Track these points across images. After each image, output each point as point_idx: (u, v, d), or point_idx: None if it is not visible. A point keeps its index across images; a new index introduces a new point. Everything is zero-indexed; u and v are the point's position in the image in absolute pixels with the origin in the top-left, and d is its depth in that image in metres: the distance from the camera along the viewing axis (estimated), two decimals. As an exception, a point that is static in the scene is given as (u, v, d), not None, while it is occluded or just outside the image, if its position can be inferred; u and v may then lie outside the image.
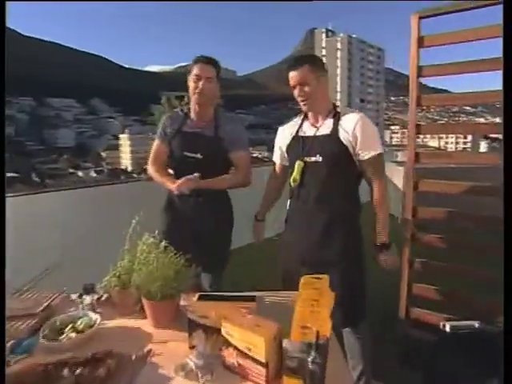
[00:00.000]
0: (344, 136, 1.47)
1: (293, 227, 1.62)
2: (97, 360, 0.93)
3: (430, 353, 1.39)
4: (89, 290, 1.26)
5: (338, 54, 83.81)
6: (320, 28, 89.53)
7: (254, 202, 1.92)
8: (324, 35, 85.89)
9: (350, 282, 1.48)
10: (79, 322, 1.11)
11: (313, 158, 1.50)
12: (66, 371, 0.90)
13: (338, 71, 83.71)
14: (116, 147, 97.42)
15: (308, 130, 1.58)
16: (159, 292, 1.10)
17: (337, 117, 1.51)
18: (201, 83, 1.66)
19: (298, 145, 1.56)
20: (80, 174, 64.78)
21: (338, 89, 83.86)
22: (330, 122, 1.52)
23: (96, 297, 1.27)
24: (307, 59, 1.50)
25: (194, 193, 1.66)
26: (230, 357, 0.94)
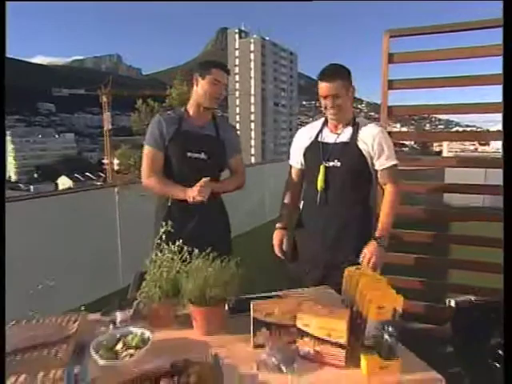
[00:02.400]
0: (363, 145, 1.67)
1: (308, 230, 1.77)
2: (177, 370, 0.97)
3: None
4: (123, 304, 1.25)
5: (252, 56, 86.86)
6: (233, 28, 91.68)
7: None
8: (237, 36, 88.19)
9: None
10: (130, 339, 1.11)
11: (331, 163, 1.68)
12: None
13: (252, 73, 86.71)
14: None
15: (328, 136, 1.75)
16: (215, 298, 1.17)
17: (356, 126, 1.70)
18: (220, 89, 1.77)
19: (318, 149, 1.72)
20: None
21: (252, 92, 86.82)
22: (349, 130, 1.71)
23: (128, 312, 1.26)
24: (340, 73, 1.64)
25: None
26: (305, 346, 1.07)
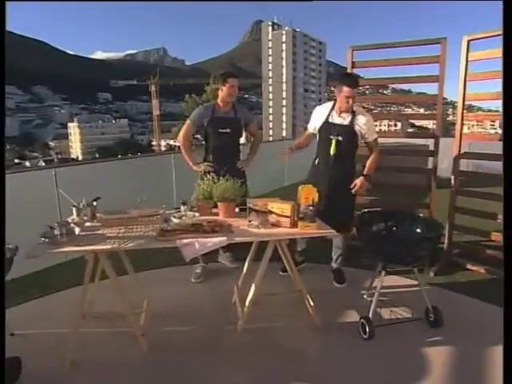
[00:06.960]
0: (357, 127, 2.42)
1: (320, 174, 2.51)
2: (211, 222, 1.91)
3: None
4: (184, 203, 2.19)
5: (284, 46, 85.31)
6: (266, 21, 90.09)
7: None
8: (270, 28, 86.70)
9: (350, 202, 2.55)
10: (188, 214, 2.06)
11: (338, 138, 2.42)
12: (198, 226, 1.87)
13: (284, 63, 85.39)
14: (64, 136, 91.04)
15: (336, 119, 2.45)
16: (230, 198, 2.08)
17: (354, 114, 2.41)
18: (235, 89, 2.62)
19: (329, 127, 2.45)
20: (27, 163, 59.98)
21: (284, 79, 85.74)
22: (349, 116, 2.42)
23: (187, 207, 2.20)
24: (357, 83, 2.38)
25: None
26: (272, 219, 1.96)
